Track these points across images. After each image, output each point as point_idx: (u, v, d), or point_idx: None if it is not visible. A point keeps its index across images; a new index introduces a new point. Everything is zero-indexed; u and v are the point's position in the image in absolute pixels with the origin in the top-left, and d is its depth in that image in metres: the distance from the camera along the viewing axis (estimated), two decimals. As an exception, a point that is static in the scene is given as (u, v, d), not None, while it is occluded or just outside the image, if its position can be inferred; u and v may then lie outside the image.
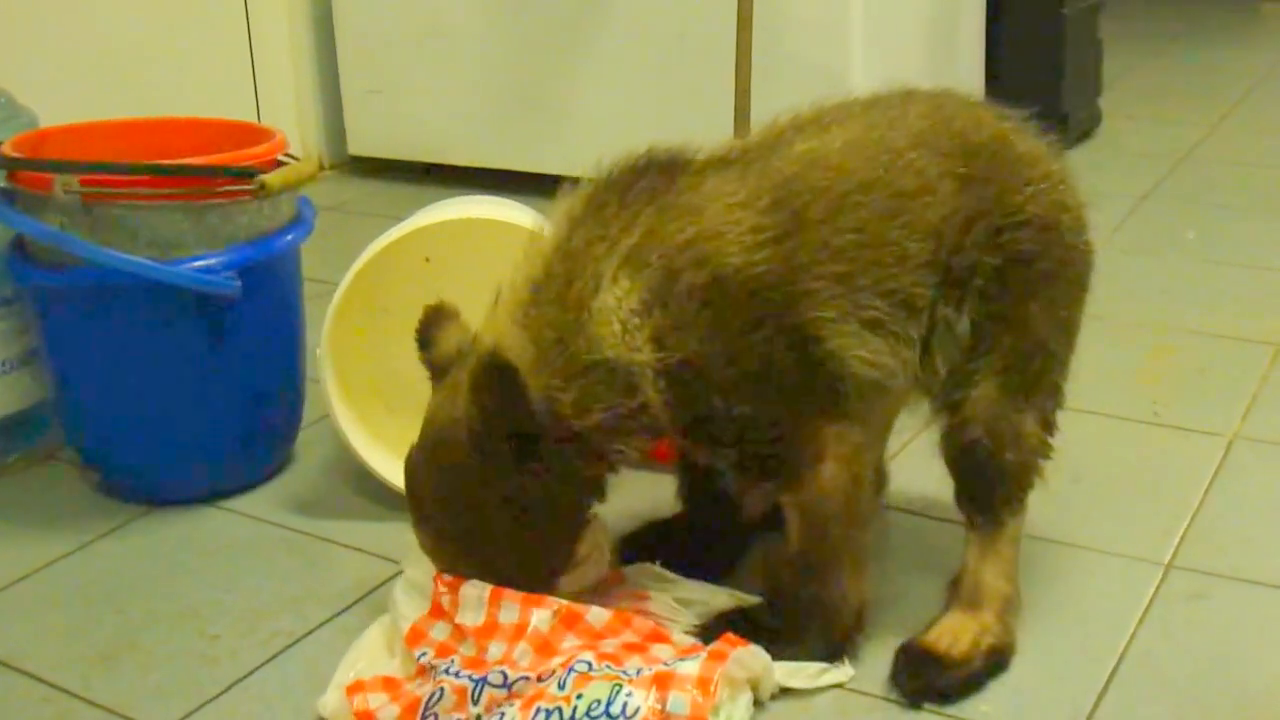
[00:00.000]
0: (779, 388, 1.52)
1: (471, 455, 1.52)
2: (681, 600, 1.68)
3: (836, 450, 1.55)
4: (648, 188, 1.54)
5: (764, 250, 1.50)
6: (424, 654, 1.56)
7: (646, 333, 1.49)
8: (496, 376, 1.48)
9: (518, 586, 1.57)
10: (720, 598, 1.70)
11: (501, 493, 1.53)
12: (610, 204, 1.54)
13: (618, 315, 1.50)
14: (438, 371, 1.61)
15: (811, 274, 1.51)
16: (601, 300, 1.50)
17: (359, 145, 3.77)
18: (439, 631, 1.58)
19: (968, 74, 3.67)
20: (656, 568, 1.74)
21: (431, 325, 1.63)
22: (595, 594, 1.69)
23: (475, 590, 1.57)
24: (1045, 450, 1.66)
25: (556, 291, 1.52)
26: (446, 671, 1.50)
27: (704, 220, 1.51)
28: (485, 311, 1.59)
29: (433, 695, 1.49)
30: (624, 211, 1.53)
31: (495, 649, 1.53)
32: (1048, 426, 1.66)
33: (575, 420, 1.51)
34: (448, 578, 1.59)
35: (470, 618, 1.56)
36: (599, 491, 1.61)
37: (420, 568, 1.64)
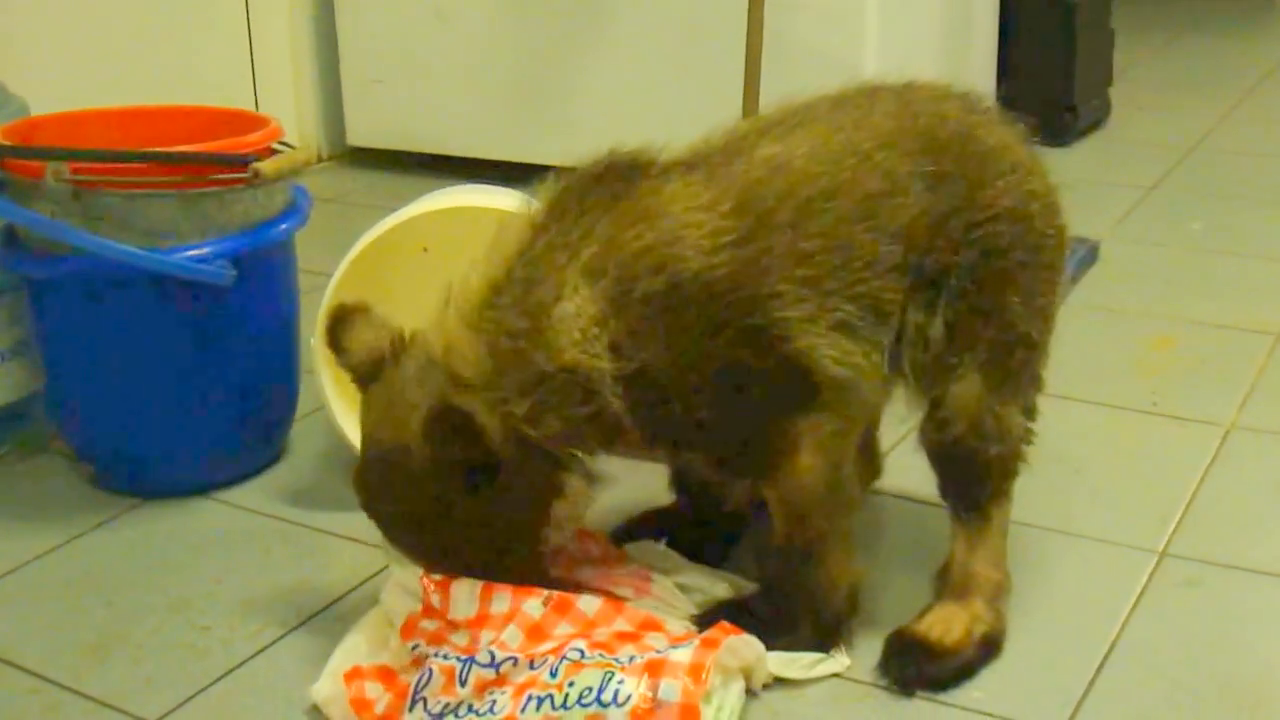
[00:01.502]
0: (745, 390, 1.51)
1: (425, 483, 1.53)
2: (683, 586, 1.69)
3: (812, 440, 1.53)
4: (607, 193, 1.53)
5: (724, 254, 1.48)
6: (417, 645, 1.55)
7: (605, 341, 1.48)
8: (449, 425, 1.48)
9: (497, 577, 1.57)
10: (720, 586, 1.70)
11: (460, 512, 1.54)
12: (570, 210, 1.52)
13: (577, 324, 1.48)
14: (361, 374, 1.59)
15: (778, 277, 1.49)
16: (562, 309, 1.48)
17: (358, 136, 3.76)
18: (432, 625, 1.58)
19: (980, 64, 3.66)
20: (660, 546, 1.75)
21: (338, 328, 1.61)
22: (600, 573, 1.69)
23: (466, 587, 1.56)
24: (1029, 437, 1.66)
25: (516, 297, 1.50)
26: (436, 655, 1.50)
27: (662, 225, 1.49)
28: (435, 309, 1.56)
29: (421, 678, 1.48)
30: (583, 218, 1.51)
31: (486, 636, 1.53)
32: (1030, 414, 1.66)
33: (529, 429, 1.50)
34: (436, 577, 1.59)
35: (463, 611, 1.56)
36: (558, 491, 1.59)
37: (407, 570, 1.64)
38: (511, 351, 1.49)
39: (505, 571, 1.57)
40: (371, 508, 1.60)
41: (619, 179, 1.54)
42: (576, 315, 1.48)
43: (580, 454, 1.55)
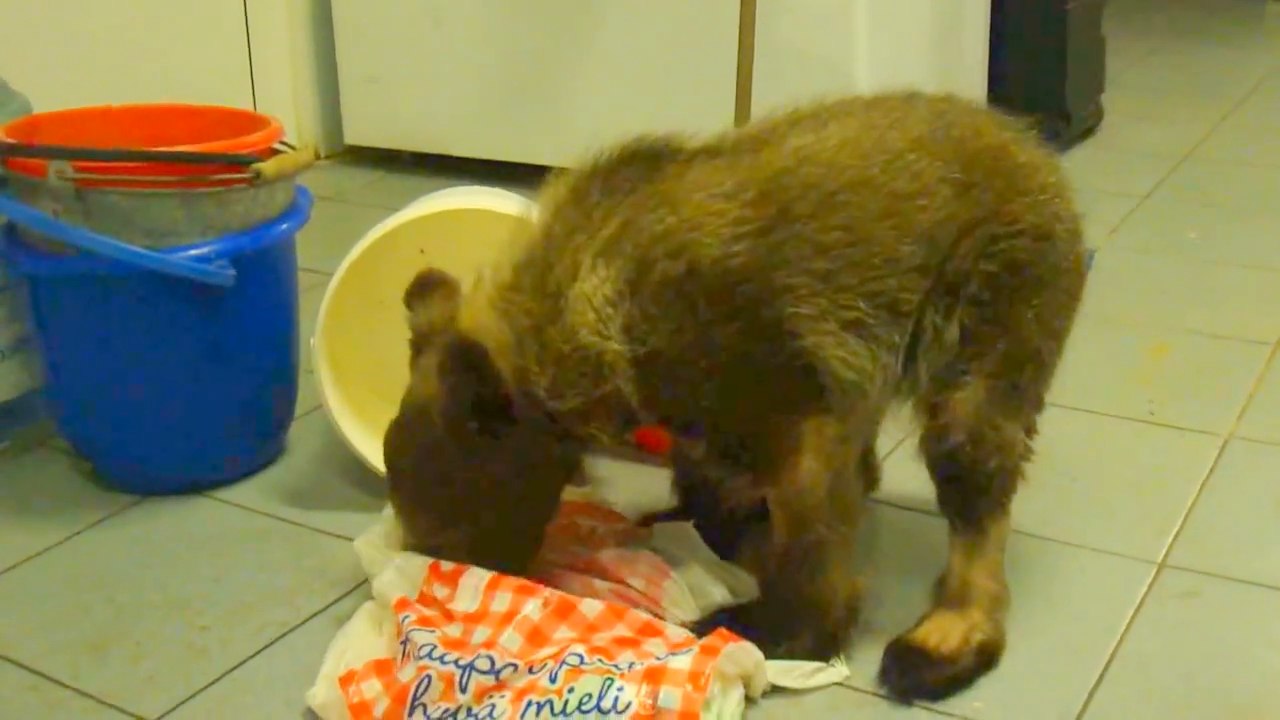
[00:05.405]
0: (752, 382, 1.52)
1: (443, 433, 1.55)
2: (694, 588, 1.68)
3: (814, 443, 1.54)
4: (631, 177, 1.55)
5: (743, 243, 1.50)
6: (407, 617, 1.56)
7: (619, 322, 1.50)
8: (461, 356, 1.52)
9: (495, 558, 1.60)
10: (720, 591, 1.69)
11: (472, 469, 1.56)
12: (593, 193, 1.55)
13: (593, 303, 1.50)
14: (415, 345, 1.65)
15: (793, 269, 1.50)
16: (579, 288, 1.51)
17: (356, 135, 3.76)
18: (426, 610, 1.59)
19: (971, 70, 3.65)
20: (688, 527, 1.77)
21: (419, 290, 1.66)
22: (619, 556, 1.71)
23: (472, 581, 1.57)
24: (1028, 455, 1.66)
25: (536, 277, 1.53)
26: (430, 656, 1.49)
27: (683, 211, 1.51)
28: (468, 292, 1.61)
29: (420, 684, 1.48)
30: (606, 200, 1.54)
31: (481, 633, 1.54)
32: (1030, 433, 1.67)
33: (550, 401, 1.53)
34: (445, 569, 1.60)
35: (464, 605, 1.56)
36: (570, 471, 1.63)
37: (411, 559, 1.64)
38: (531, 329, 1.52)
39: (505, 544, 1.62)
40: (390, 463, 1.64)
41: (645, 163, 1.56)
42: (592, 294, 1.50)
43: (596, 431, 1.56)
